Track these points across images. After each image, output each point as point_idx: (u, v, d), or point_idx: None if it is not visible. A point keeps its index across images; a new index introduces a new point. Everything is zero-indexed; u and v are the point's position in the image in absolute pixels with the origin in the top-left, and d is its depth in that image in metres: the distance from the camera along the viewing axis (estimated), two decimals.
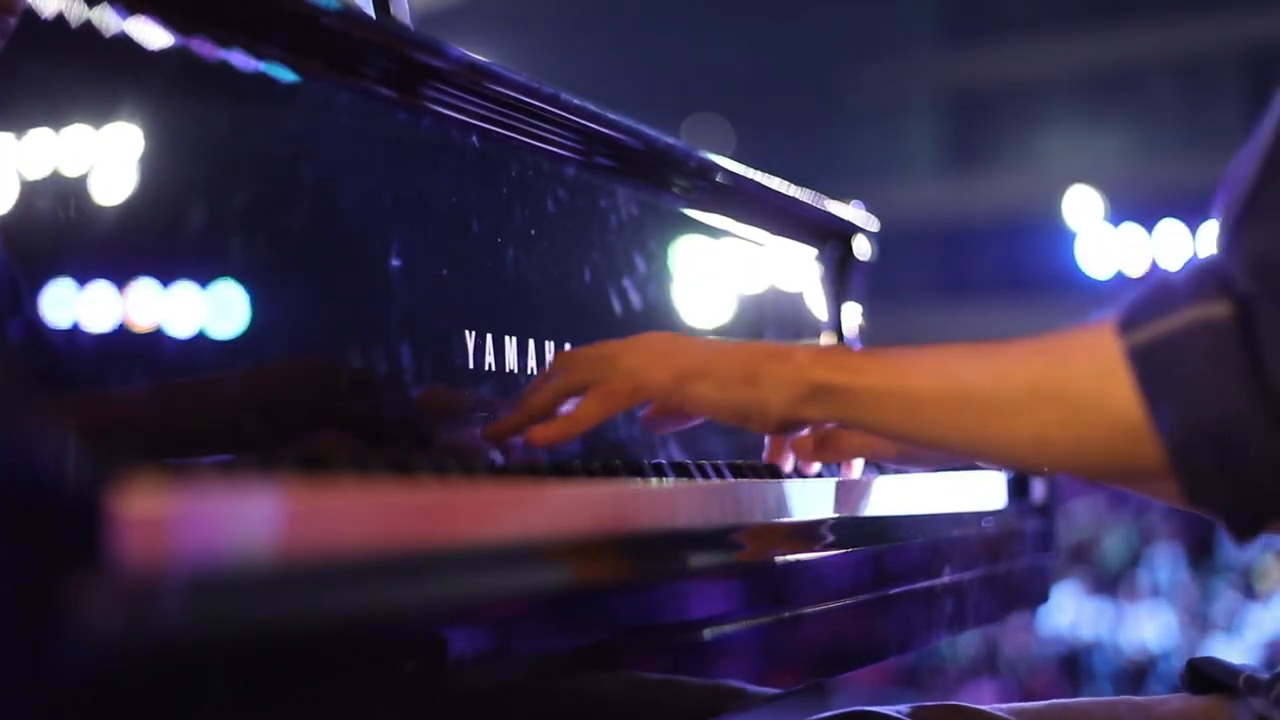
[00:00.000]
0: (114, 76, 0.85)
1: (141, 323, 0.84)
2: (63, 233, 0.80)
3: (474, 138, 1.12)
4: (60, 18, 0.81)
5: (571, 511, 0.80)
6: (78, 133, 0.82)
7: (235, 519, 0.56)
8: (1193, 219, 10.68)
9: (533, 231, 1.17)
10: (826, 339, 1.63)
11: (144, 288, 0.83)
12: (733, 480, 1.10)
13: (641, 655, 0.93)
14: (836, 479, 1.23)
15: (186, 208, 0.88)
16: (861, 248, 1.64)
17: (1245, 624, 6.36)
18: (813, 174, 1.91)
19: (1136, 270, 11.20)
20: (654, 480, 1.02)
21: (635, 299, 1.29)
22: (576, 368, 1.04)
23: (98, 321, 0.81)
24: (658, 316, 1.33)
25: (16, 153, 0.79)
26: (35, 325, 0.78)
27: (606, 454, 1.18)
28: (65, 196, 0.81)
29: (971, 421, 0.91)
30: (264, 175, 0.95)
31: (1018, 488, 1.47)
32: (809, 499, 1.11)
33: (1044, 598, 1.61)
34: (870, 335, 1.66)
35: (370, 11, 1.23)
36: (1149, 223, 11.59)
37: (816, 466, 1.25)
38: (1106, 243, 11.80)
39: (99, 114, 0.83)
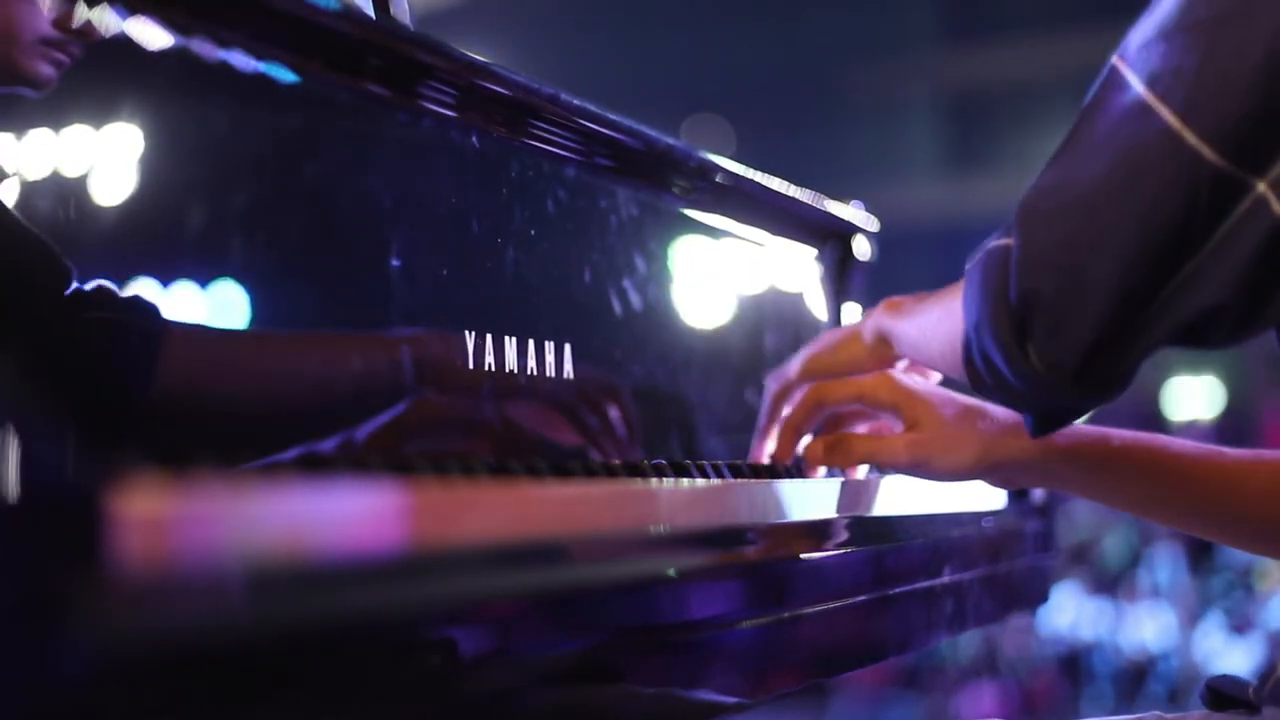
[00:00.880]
0: (114, 76, 0.85)
1: None
2: (62, 233, 0.80)
3: (474, 138, 1.12)
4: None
5: (571, 510, 0.80)
6: (78, 133, 0.82)
7: (235, 520, 0.56)
8: None
9: (532, 232, 1.17)
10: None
11: (144, 288, 0.83)
12: (735, 480, 1.10)
13: (641, 655, 0.93)
14: (839, 479, 1.23)
15: (186, 208, 0.88)
16: (861, 248, 1.64)
17: (1246, 624, 6.36)
18: (813, 174, 1.91)
19: None
20: (654, 480, 1.02)
21: (635, 299, 1.29)
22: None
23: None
24: (658, 317, 1.33)
25: (16, 153, 0.79)
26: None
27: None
28: (65, 196, 0.81)
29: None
30: (264, 175, 0.95)
31: (1018, 488, 1.47)
32: (810, 499, 1.11)
33: (1044, 598, 1.61)
34: None
35: (370, 11, 1.23)
36: None
37: (822, 470, 1.25)
38: None
39: (99, 114, 0.83)
